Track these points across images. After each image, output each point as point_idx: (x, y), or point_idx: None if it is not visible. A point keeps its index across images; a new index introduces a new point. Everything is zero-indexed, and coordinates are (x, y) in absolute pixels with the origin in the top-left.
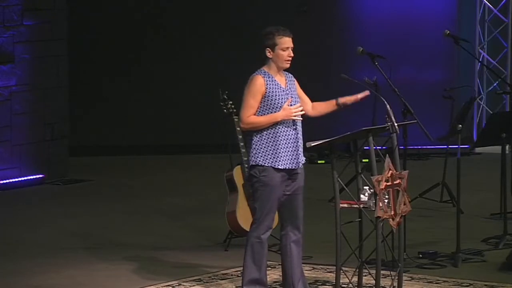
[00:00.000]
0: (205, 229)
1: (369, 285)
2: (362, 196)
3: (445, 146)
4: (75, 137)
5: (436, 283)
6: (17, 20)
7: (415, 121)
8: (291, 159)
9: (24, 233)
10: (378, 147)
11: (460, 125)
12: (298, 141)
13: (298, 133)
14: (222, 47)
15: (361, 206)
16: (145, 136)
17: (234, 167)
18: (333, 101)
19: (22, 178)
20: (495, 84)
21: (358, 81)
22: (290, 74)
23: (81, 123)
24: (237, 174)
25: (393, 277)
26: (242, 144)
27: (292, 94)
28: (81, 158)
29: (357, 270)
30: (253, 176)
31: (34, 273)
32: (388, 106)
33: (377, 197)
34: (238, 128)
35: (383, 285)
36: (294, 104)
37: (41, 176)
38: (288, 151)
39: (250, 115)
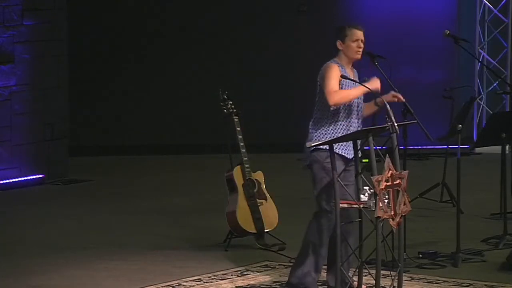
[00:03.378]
0: (205, 229)
1: (369, 285)
2: (362, 196)
3: (445, 146)
4: (75, 137)
5: (436, 283)
6: (17, 20)
7: (415, 121)
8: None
9: (24, 233)
10: (378, 147)
11: (460, 125)
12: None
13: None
14: (222, 47)
15: (361, 206)
16: (145, 136)
17: (234, 167)
18: (372, 102)
19: (22, 178)
20: (495, 84)
21: (358, 81)
22: (355, 71)
23: (81, 123)
24: (237, 174)
25: (393, 277)
26: (242, 144)
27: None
28: (81, 158)
29: (357, 270)
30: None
31: (34, 273)
32: (388, 106)
33: (377, 197)
34: (238, 128)
35: (383, 285)
36: (360, 100)
37: (41, 176)
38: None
39: (337, 87)
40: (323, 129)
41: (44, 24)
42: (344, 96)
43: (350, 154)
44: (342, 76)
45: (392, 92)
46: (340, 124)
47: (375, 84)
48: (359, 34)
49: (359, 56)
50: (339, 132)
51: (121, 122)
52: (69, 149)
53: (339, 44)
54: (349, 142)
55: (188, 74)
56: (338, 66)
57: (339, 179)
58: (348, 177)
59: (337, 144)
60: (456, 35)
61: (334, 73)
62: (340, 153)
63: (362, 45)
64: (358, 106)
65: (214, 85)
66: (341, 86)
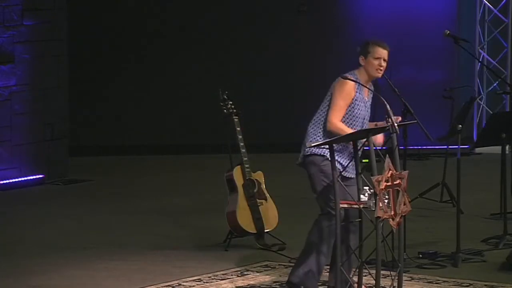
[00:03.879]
0: (205, 229)
1: (369, 285)
2: (362, 196)
3: (445, 146)
4: (75, 137)
5: (436, 283)
6: (17, 20)
7: (415, 121)
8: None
9: (24, 233)
10: (378, 147)
11: (460, 125)
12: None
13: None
14: (222, 47)
15: (361, 206)
16: (145, 136)
17: (234, 167)
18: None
19: (22, 178)
20: (495, 84)
21: (358, 81)
22: (372, 87)
23: (81, 123)
24: (237, 174)
25: (393, 277)
26: (242, 144)
27: (368, 108)
28: (81, 158)
29: (357, 270)
30: None
31: (34, 273)
32: (388, 106)
33: (377, 197)
34: (238, 128)
35: (383, 285)
36: (366, 122)
37: (41, 176)
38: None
39: (339, 117)
40: (317, 138)
41: (44, 24)
42: (340, 131)
43: (346, 161)
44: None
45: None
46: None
47: (378, 140)
48: (383, 52)
49: (379, 75)
50: (339, 148)
51: (121, 122)
52: (69, 149)
53: (361, 59)
54: (345, 149)
55: (188, 74)
56: (355, 85)
57: (338, 180)
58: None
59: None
60: (456, 35)
61: (346, 93)
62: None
63: (383, 64)
64: (364, 119)
65: (214, 85)
66: (352, 105)
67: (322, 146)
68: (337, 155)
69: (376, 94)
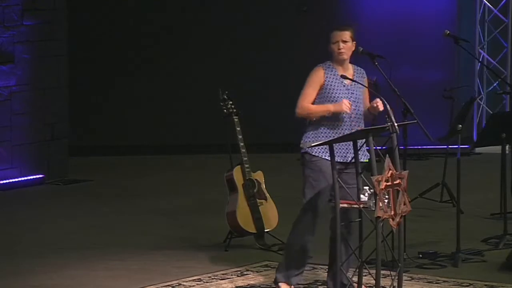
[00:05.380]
0: (205, 229)
1: (369, 285)
2: (362, 196)
3: (445, 146)
4: (75, 137)
5: (436, 283)
6: (17, 20)
7: (415, 121)
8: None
9: (24, 233)
10: (378, 147)
11: (460, 125)
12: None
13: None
14: (222, 48)
15: (361, 206)
16: (145, 136)
17: (234, 167)
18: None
19: (22, 178)
20: (495, 84)
21: (358, 81)
22: (362, 72)
23: (81, 123)
24: (237, 174)
25: (393, 277)
26: (242, 144)
27: (355, 92)
28: (81, 158)
29: (357, 270)
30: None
31: (34, 273)
32: (388, 106)
33: (377, 197)
34: (238, 128)
35: (383, 285)
36: (353, 106)
37: (41, 176)
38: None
39: (306, 102)
40: (308, 132)
41: (44, 24)
42: (310, 113)
43: (337, 157)
44: (342, 76)
45: (374, 101)
46: (323, 129)
47: (339, 107)
48: (339, 35)
49: (342, 57)
50: (323, 136)
51: (121, 122)
52: (69, 149)
53: (329, 47)
54: (338, 145)
55: (188, 74)
56: (324, 69)
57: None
58: (346, 179)
59: (322, 148)
60: (456, 35)
61: (313, 79)
62: (324, 157)
63: (342, 46)
64: (351, 112)
65: (214, 85)
66: (324, 88)
67: (306, 141)
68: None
69: (376, 94)
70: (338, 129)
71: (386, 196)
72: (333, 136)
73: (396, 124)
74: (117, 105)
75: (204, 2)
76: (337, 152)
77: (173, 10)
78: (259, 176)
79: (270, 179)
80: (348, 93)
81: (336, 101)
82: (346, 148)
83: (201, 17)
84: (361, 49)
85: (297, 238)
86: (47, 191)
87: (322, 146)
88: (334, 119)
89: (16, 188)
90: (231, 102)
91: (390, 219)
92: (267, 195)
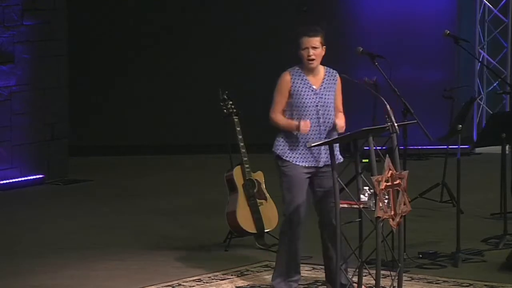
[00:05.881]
0: (205, 229)
1: (369, 285)
2: (362, 196)
3: (445, 146)
4: (75, 137)
5: (436, 283)
6: (17, 20)
7: (415, 121)
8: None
9: (24, 233)
10: (378, 147)
11: (460, 125)
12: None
13: (320, 134)
14: (222, 48)
15: (361, 206)
16: (145, 136)
17: (234, 167)
18: None
19: (22, 178)
20: (495, 84)
21: (358, 81)
22: (335, 74)
23: (81, 123)
24: (237, 174)
25: (393, 277)
26: (242, 144)
27: (324, 96)
28: (81, 158)
29: (357, 270)
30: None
31: (34, 273)
32: (388, 106)
33: (377, 197)
34: (238, 128)
35: (383, 285)
36: (322, 111)
37: (41, 176)
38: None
39: (277, 110)
40: (279, 137)
41: (44, 24)
42: (276, 123)
43: (308, 162)
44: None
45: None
46: (292, 134)
47: (303, 127)
48: (309, 41)
49: (312, 65)
50: (293, 140)
51: (121, 122)
52: (69, 149)
53: (298, 52)
54: (308, 150)
55: (188, 74)
56: (291, 74)
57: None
58: (320, 183)
59: (293, 154)
60: (456, 35)
61: (280, 86)
62: (296, 163)
63: (312, 53)
64: (317, 106)
65: (214, 85)
66: (291, 93)
67: (277, 146)
68: (299, 156)
69: (376, 94)
70: (314, 134)
71: (386, 196)
72: (302, 141)
73: (396, 124)
74: (117, 105)
75: (204, 2)
76: (308, 157)
77: (173, 10)
78: (259, 176)
79: (270, 179)
80: (317, 97)
81: (305, 106)
82: (318, 153)
83: (201, 17)
84: (361, 49)
85: (286, 246)
86: (47, 191)
87: (293, 152)
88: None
89: (16, 188)
90: (231, 102)
91: (390, 219)
92: (267, 195)
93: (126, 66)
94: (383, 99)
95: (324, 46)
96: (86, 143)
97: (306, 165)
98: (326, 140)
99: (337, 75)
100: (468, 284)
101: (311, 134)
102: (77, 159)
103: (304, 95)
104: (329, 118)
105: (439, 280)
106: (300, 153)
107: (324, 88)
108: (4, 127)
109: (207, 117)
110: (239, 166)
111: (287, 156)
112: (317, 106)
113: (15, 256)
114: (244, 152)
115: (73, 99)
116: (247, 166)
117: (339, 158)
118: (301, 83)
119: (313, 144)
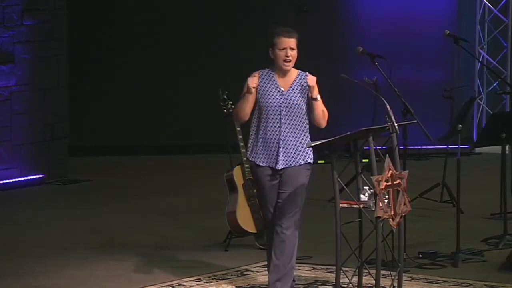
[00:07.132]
0: (205, 229)
1: (369, 285)
2: (362, 196)
3: (445, 146)
4: (75, 137)
5: (436, 283)
6: (17, 20)
7: (415, 121)
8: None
9: (24, 233)
10: (378, 147)
11: (460, 125)
12: (279, 142)
13: (280, 134)
14: (222, 48)
15: (361, 206)
16: (145, 136)
17: (234, 167)
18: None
19: (22, 178)
20: (495, 84)
21: (358, 81)
22: (306, 75)
23: (81, 123)
24: (237, 174)
25: (393, 277)
26: (242, 144)
27: (290, 98)
28: (81, 158)
29: (357, 270)
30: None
31: (34, 273)
32: (388, 106)
33: (377, 197)
34: (238, 128)
35: (383, 285)
36: (285, 112)
37: (41, 176)
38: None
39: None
40: (250, 141)
41: (44, 24)
42: (238, 110)
43: (265, 163)
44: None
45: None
46: (260, 136)
47: (250, 83)
48: (287, 42)
49: (285, 67)
50: (261, 142)
51: (121, 122)
52: (69, 149)
53: (270, 52)
54: (269, 152)
55: (188, 74)
56: (260, 74)
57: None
58: (280, 186)
59: (254, 154)
60: (456, 35)
61: (247, 88)
62: (258, 163)
63: (290, 53)
64: (280, 106)
65: (214, 85)
66: (258, 93)
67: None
68: (262, 157)
69: (376, 94)
70: (273, 135)
71: (386, 196)
72: (261, 141)
73: (396, 124)
74: (117, 105)
75: (204, 2)
76: (266, 159)
77: (173, 10)
78: None
79: None
80: (283, 98)
81: (270, 106)
82: (276, 154)
83: (201, 17)
84: (361, 49)
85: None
86: (47, 191)
87: (259, 155)
88: (269, 126)
89: (16, 188)
90: (231, 102)
91: (390, 219)
92: None
93: (126, 66)
94: (383, 99)
95: (296, 49)
96: (86, 143)
97: (264, 165)
98: (327, 139)
99: (308, 75)
100: (468, 284)
101: (270, 134)
102: (77, 159)
103: (269, 95)
104: (294, 121)
105: (439, 280)
106: (259, 153)
107: (293, 90)
108: (4, 127)
109: (207, 117)
110: (239, 166)
111: (258, 160)
112: (280, 107)
113: (15, 256)
114: (244, 152)
115: (73, 99)
116: (247, 166)
117: (309, 158)
118: (268, 83)
119: (313, 144)
